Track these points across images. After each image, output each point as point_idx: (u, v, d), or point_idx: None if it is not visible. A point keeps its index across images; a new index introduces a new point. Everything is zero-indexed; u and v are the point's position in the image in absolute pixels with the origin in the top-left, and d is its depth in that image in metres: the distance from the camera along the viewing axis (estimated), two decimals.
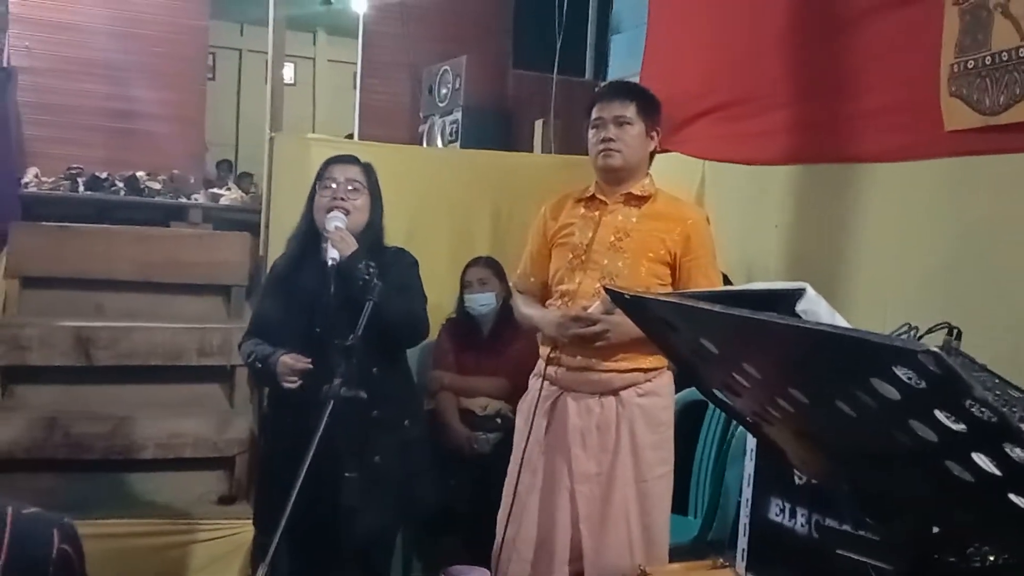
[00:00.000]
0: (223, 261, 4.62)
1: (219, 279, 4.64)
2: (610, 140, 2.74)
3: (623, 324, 2.57)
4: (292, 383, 2.67)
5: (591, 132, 2.79)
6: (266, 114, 4.34)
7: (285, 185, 4.10)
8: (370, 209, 2.86)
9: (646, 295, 1.39)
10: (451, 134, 5.88)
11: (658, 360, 2.78)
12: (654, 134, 2.81)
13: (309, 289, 2.76)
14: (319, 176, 2.88)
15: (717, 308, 1.13)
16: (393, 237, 2.98)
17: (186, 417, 4.12)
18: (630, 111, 2.75)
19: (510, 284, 3.22)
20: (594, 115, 2.78)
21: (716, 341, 1.23)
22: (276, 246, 3.76)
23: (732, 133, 3.33)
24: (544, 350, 2.85)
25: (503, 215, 4.47)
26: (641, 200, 2.81)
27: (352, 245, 2.71)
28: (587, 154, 2.84)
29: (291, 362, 2.68)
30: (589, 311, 2.68)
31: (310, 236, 2.85)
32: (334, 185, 2.82)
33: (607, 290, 1.41)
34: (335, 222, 2.75)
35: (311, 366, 2.65)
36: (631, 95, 2.77)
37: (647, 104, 2.79)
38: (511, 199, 4.41)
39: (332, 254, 2.68)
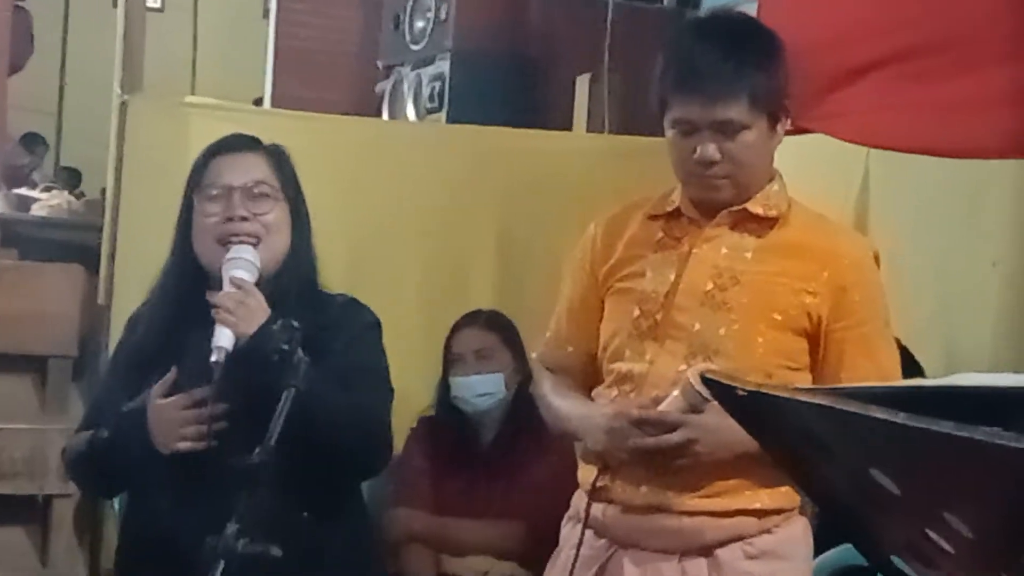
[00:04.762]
0: (36, 314, 4.62)
1: (27, 346, 4.64)
2: (712, 165, 2.76)
3: (723, 430, 2.58)
4: (194, 437, 2.70)
5: (673, 134, 2.81)
6: (114, 62, 4.35)
7: (146, 183, 4.15)
8: (291, 228, 2.89)
9: (773, 390, 1.40)
10: (432, 98, 5.93)
11: (785, 496, 2.80)
12: (783, 119, 2.83)
13: (192, 375, 2.78)
14: (194, 180, 2.90)
15: (900, 418, 1.13)
16: (324, 273, 3.00)
17: None
18: (739, 110, 2.74)
19: (531, 359, 3.24)
20: (677, 113, 2.79)
21: (897, 473, 1.23)
22: (129, 289, 3.83)
23: (916, 103, 3.34)
24: (586, 474, 2.87)
25: (519, 238, 4.51)
26: (763, 223, 2.82)
27: (259, 316, 2.69)
28: (664, 134, 2.87)
29: (182, 400, 2.70)
30: (661, 408, 2.69)
31: (188, 282, 2.87)
32: (225, 195, 2.83)
33: (705, 380, 1.45)
34: (236, 270, 2.73)
35: (223, 405, 2.67)
36: (740, 79, 2.73)
37: (768, 83, 2.77)
38: (534, 210, 4.46)
39: (221, 340, 2.65)
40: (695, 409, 2.63)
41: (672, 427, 2.67)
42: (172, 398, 2.73)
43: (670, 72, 2.81)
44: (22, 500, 4.32)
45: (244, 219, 2.80)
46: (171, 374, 2.75)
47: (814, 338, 2.77)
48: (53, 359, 4.63)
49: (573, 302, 3.00)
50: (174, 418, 2.72)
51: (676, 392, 2.66)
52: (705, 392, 2.45)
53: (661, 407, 2.69)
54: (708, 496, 2.75)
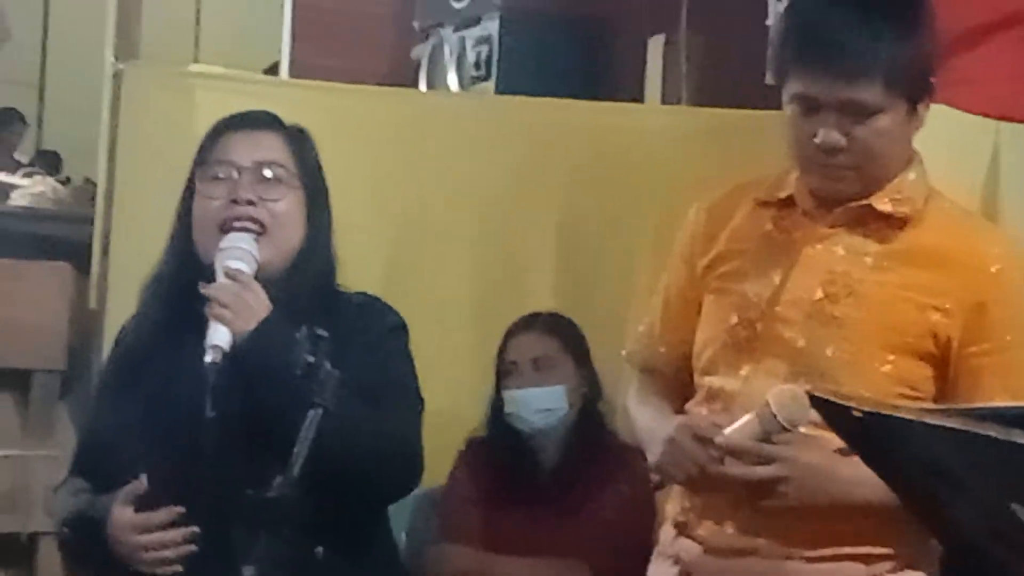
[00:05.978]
0: (17, 321, 4.62)
1: (7, 359, 4.64)
2: (835, 152, 2.66)
3: (823, 472, 2.56)
4: (155, 565, 2.66)
5: (792, 111, 2.73)
6: (107, 26, 4.30)
7: (143, 167, 4.07)
8: (306, 219, 2.87)
9: (895, 411, 1.41)
10: (478, 65, 5.83)
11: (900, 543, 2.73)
12: (926, 100, 2.71)
13: (188, 391, 2.71)
14: (201, 159, 2.88)
15: None
16: (356, 273, 2.99)
17: None
18: (873, 91, 2.63)
19: (623, 358, 3.15)
20: (797, 87, 2.70)
21: None
22: (124, 291, 3.74)
23: None
24: (671, 506, 2.85)
25: (583, 229, 4.40)
26: (890, 223, 2.74)
27: (258, 312, 2.66)
28: (762, 106, 2.94)
29: (138, 521, 2.66)
30: (729, 431, 2.63)
31: (186, 279, 2.82)
32: (232, 176, 2.81)
33: (813, 399, 1.48)
34: (231, 260, 2.69)
35: (191, 528, 2.63)
36: (876, 53, 2.61)
37: (910, 58, 2.66)
38: (600, 197, 4.34)
39: (216, 338, 2.62)
40: (765, 438, 2.59)
41: (763, 460, 2.61)
42: (134, 518, 2.67)
43: (792, 38, 2.73)
44: (2, 539, 4.28)
45: (250, 203, 2.76)
46: (137, 483, 2.71)
47: (942, 364, 2.69)
48: (37, 374, 4.60)
49: (669, 296, 2.97)
50: (131, 542, 2.68)
51: (750, 415, 2.61)
52: (784, 420, 2.45)
53: (730, 429, 2.64)
54: (808, 544, 2.66)
